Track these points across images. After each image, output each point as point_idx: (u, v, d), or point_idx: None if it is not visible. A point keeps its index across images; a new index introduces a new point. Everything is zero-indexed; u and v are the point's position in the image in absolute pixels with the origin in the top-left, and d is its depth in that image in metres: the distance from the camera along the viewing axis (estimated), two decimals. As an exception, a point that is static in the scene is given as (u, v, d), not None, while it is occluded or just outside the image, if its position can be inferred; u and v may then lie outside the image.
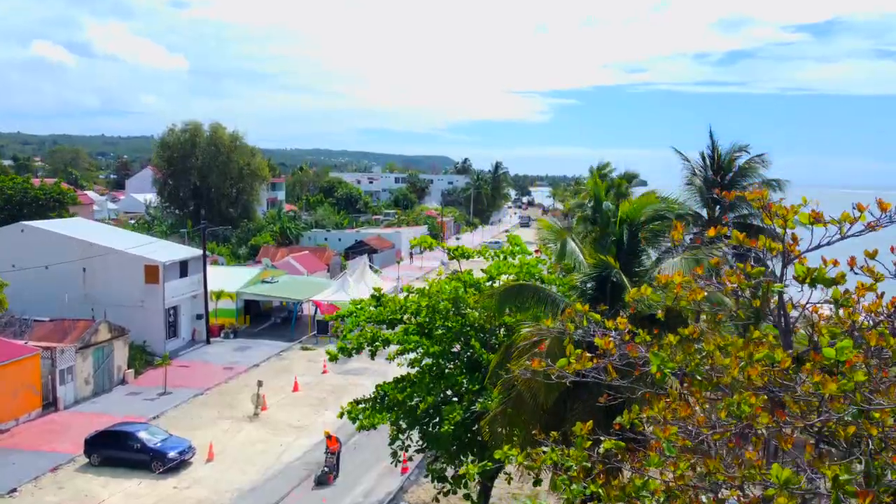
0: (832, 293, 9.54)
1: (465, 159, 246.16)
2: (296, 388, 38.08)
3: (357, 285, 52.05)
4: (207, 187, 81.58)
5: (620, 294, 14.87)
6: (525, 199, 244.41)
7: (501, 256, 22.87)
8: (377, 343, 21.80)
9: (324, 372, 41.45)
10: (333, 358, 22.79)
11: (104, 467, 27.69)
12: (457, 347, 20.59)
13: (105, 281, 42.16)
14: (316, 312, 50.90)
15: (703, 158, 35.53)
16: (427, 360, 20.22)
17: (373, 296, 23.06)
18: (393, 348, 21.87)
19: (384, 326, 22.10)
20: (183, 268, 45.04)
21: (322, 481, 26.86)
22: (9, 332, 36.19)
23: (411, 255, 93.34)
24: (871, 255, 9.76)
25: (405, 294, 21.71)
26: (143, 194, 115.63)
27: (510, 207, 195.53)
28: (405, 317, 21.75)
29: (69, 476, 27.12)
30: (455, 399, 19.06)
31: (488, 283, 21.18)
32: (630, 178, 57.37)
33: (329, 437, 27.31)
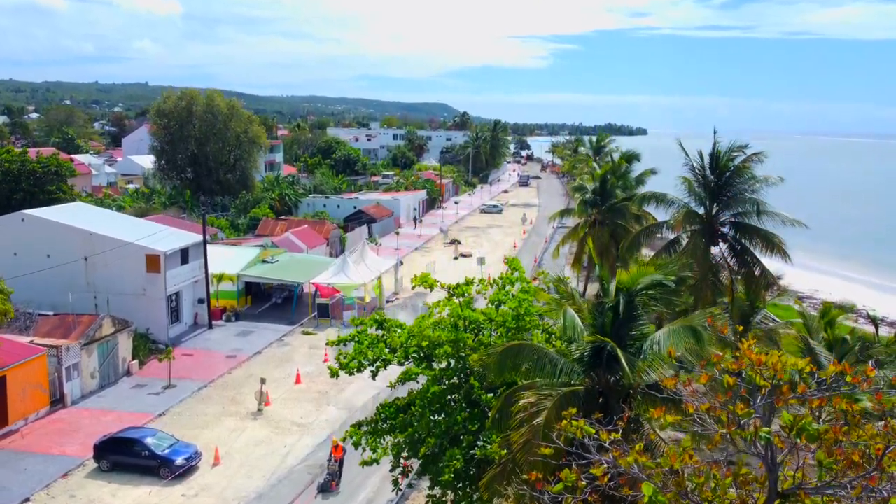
0: (816, 454, 9.97)
1: (464, 113, 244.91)
2: (298, 381, 38.76)
3: (357, 266, 52.51)
4: (205, 155, 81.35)
5: (616, 360, 15.26)
6: (524, 153, 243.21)
7: (501, 284, 23.14)
8: (378, 364, 22.35)
9: (325, 360, 42.06)
10: (335, 374, 23.25)
11: (113, 473, 28.51)
12: (456, 379, 21.07)
13: (107, 270, 42.46)
14: (316, 294, 51.37)
15: (702, 156, 35.64)
16: (429, 392, 20.67)
17: (375, 320, 23.41)
18: (393, 369, 22.47)
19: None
20: (184, 255, 45.32)
21: (325, 488, 27.73)
22: (14, 328, 36.68)
23: (415, 220, 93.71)
24: (855, 418, 10.17)
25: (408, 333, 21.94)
26: (140, 156, 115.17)
27: (509, 163, 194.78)
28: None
29: (80, 483, 27.94)
30: (455, 439, 19.54)
31: (486, 317, 21.45)
32: (629, 158, 57.30)
33: (336, 446, 28.09)
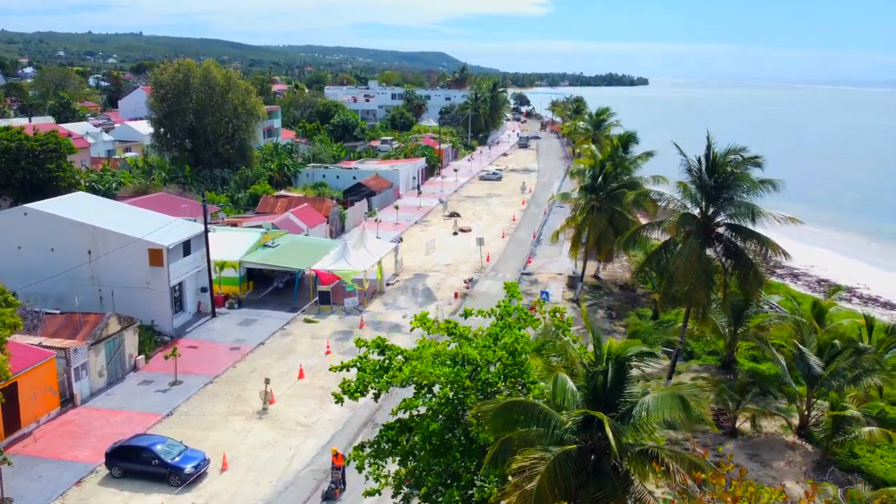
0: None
1: (463, 68, 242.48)
2: (301, 376, 39.72)
3: (357, 251, 53.08)
4: (203, 127, 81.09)
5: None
6: (524, 110, 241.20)
7: (499, 314, 23.68)
8: (380, 382, 23.15)
9: (327, 352, 43.04)
10: (339, 401, 24.03)
11: (125, 480, 29.59)
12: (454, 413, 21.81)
13: (110, 263, 43.05)
14: (317, 279, 51.95)
15: (700, 160, 35.91)
16: (429, 430, 21.40)
17: (377, 344, 23.98)
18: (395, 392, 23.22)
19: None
20: (186, 247, 45.80)
21: (329, 496, 28.84)
22: (22, 328, 37.34)
23: (417, 188, 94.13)
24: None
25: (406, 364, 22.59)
26: (137, 122, 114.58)
27: (508, 121, 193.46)
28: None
29: (93, 491, 29.02)
30: (454, 476, 20.38)
31: (482, 352, 22.05)
32: (627, 140, 57.37)
33: (336, 454, 29.09)
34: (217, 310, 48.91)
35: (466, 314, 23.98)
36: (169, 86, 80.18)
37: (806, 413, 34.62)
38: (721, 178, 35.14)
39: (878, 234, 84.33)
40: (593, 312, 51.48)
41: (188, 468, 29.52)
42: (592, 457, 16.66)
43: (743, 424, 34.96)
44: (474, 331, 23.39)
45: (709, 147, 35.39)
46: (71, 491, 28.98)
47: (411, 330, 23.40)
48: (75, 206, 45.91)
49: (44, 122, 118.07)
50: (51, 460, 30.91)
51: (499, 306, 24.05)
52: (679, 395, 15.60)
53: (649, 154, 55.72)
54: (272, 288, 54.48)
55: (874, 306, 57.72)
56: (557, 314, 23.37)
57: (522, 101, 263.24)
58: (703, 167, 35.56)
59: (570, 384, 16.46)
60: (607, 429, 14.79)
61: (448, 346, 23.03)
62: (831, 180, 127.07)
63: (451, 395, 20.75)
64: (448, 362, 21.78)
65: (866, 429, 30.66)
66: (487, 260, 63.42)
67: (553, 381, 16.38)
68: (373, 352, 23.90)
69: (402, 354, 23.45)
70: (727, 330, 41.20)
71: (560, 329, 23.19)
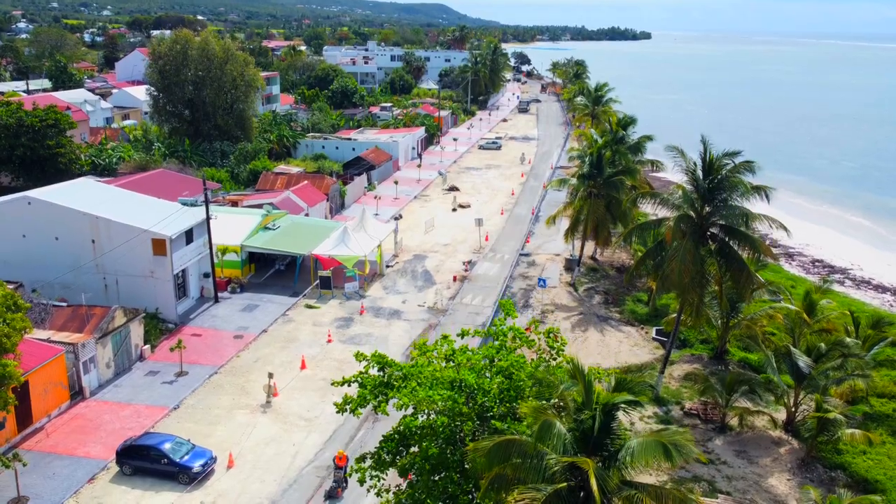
0: None
1: (463, 27, 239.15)
2: (303, 366, 40.78)
3: (357, 235, 53.75)
4: (202, 99, 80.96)
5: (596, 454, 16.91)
6: (524, 69, 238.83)
7: (494, 333, 24.50)
8: (380, 399, 24.11)
9: (328, 341, 44.07)
10: (340, 411, 24.98)
11: (136, 478, 30.79)
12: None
13: (115, 252, 43.74)
14: (317, 264, 52.67)
15: (695, 162, 36.41)
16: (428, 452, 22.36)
17: (377, 360, 24.82)
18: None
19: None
20: (189, 234, 46.42)
21: (332, 495, 30.09)
22: (30, 320, 38.21)
23: (419, 156, 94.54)
24: None
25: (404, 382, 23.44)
26: (134, 87, 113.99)
27: (508, 81, 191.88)
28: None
29: (105, 489, 30.23)
30: (452, 499, 21.43)
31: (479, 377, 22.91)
32: (627, 124, 57.54)
33: (340, 456, 30.29)
34: (220, 294, 49.81)
35: (463, 334, 24.79)
36: (167, 57, 79.84)
37: (793, 410, 35.77)
38: (716, 180, 35.70)
39: (874, 209, 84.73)
40: (590, 297, 52.44)
41: (196, 466, 30.70)
42: (582, 494, 17.64)
43: (732, 419, 36.14)
44: (471, 349, 24.23)
45: (705, 149, 35.86)
46: (84, 489, 30.18)
47: (412, 352, 24.14)
48: (79, 195, 46.37)
49: (41, 86, 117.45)
50: (64, 456, 32.08)
51: (494, 324, 24.87)
52: (662, 442, 16.51)
53: (648, 138, 56.01)
54: (273, 270, 55.27)
55: (866, 289, 58.65)
56: (552, 335, 24.24)
57: (523, 59, 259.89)
58: (699, 168, 36.07)
59: (559, 427, 17.32)
60: (591, 478, 15.72)
61: (443, 362, 23.91)
62: (831, 148, 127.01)
63: (447, 421, 21.64)
64: (445, 383, 22.64)
65: (849, 431, 31.85)
66: (486, 240, 64.08)
67: (539, 427, 17.22)
68: (373, 366, 24.81)
69: (401, 370, 24.34)
70: (720, 322, 42.20)
71: (554, 350, 24.10)
